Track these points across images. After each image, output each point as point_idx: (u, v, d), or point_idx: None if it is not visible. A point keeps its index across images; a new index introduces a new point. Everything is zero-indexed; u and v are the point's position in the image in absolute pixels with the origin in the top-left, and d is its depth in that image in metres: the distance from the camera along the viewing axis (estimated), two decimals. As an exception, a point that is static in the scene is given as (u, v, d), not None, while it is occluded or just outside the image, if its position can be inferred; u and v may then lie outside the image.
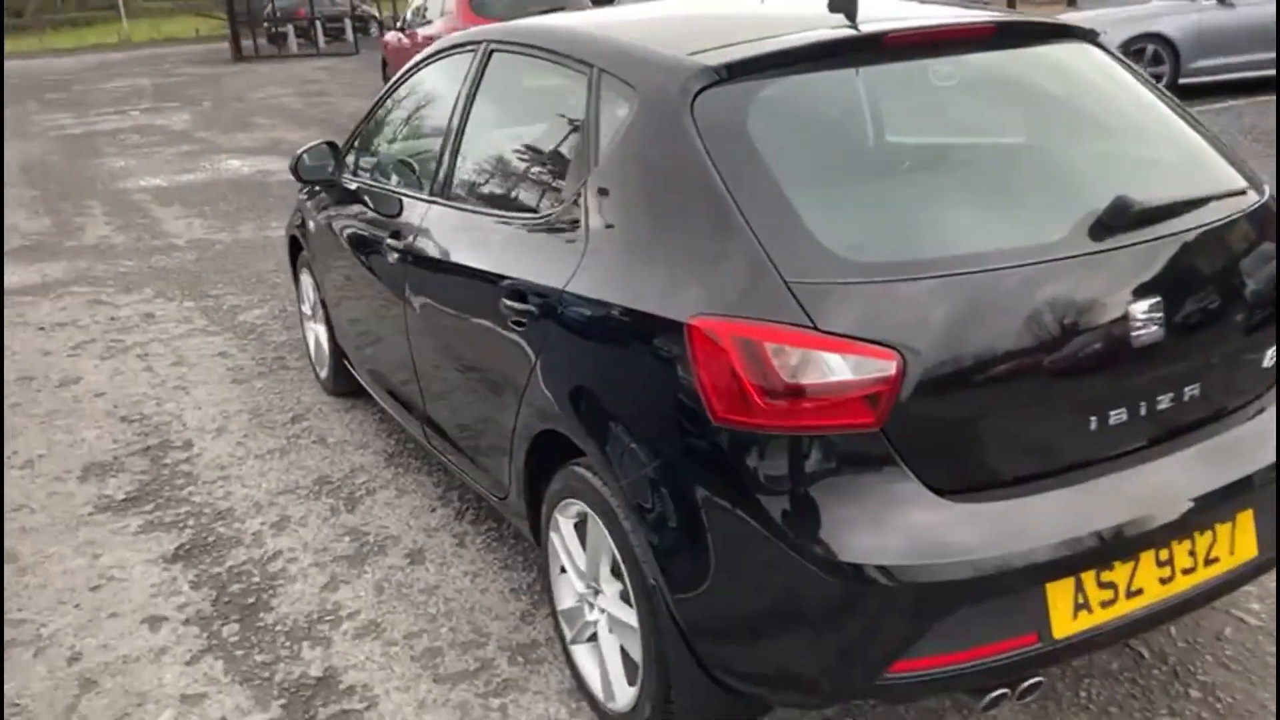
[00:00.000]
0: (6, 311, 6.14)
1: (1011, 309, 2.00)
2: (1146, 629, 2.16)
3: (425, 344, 3.19)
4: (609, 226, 2.31)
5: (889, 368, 1.89)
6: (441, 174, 3.12)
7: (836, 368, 1.89)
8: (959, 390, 1.96)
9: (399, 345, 3.37)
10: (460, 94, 3.12)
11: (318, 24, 26.59)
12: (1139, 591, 2.06)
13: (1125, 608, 2.05)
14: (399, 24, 13.77)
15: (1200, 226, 2.19)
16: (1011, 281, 2.00)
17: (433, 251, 3.06)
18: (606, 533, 2.30)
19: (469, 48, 3.20)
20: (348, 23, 27.42)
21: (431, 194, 3.15)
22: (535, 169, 2.83)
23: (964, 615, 1.94)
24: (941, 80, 2.44)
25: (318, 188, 4.27)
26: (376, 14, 30.35)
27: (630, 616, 2.33)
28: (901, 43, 2.33)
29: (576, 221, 2.39)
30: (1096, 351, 2.03)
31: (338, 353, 4.35)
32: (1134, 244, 2.09)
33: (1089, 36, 2.57)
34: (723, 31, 2.47)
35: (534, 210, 2.65)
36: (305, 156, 3.96)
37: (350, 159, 3.96)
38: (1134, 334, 2.03)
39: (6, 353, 5.46)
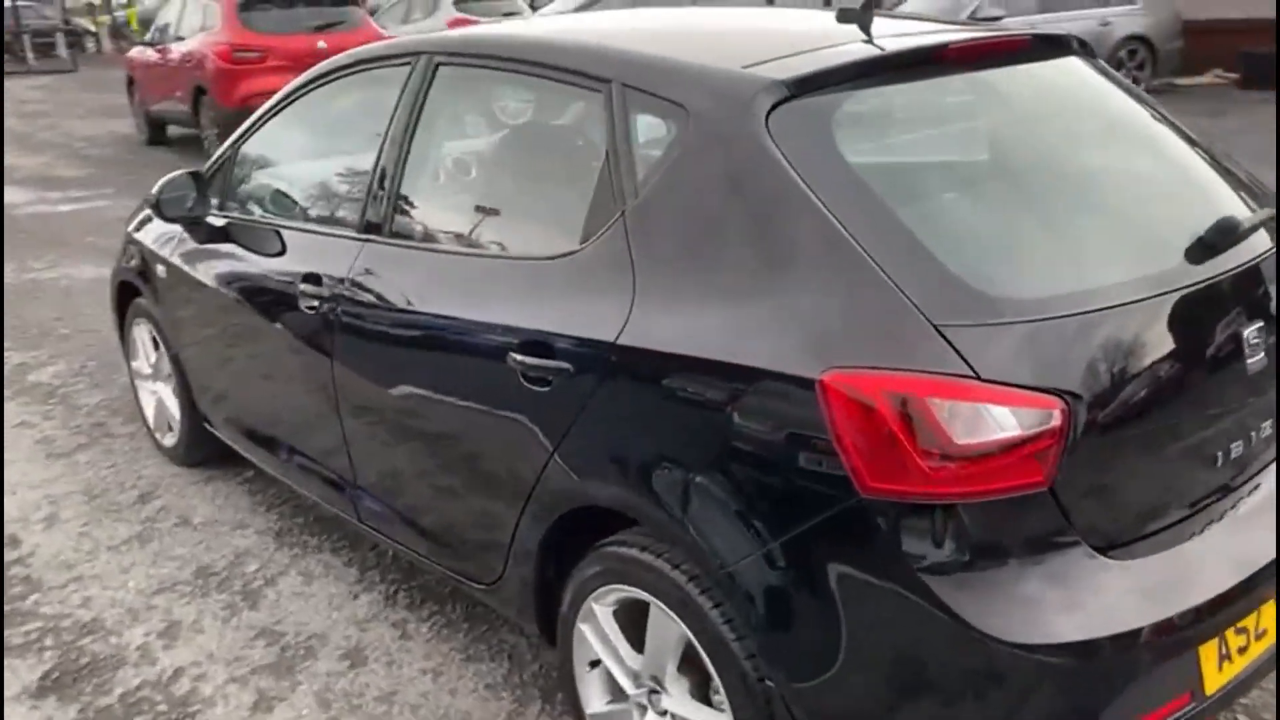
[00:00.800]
0: None
1: (1149, 342, 1.85)
2: (1268, 673, 2.06)
3: (365, 411, 2.71)
4: (668, 267, 1.96)
5: (1055, 418, 1.68)
6: (381, 208, 2.64)
7: (1005, 423, 1.66)
8: (1111, 435, 1.78)
9: (318, 411, 2.85)
10: (396, 115, 2.66)
11: (25, 39, 23.97)
12: (1264, 633, 1.96)
13: (1256, 651, 1.94)
14: (148, 37, 12.50)
15: (1267, 244, 2.13)
16: (1145, 314, 1.85)
17: (378, 300, 2.58)
18: (679, 622, 1.96)
19: (397, 61, 2.74)
20: (60, 37, 24.93)
21: (365, 231, 2.67)
22: (535, 201, 2.46)
23: (1134, 685, 1.76)
24: (987, 97, 2.28)
25: (152, 223, 3.64)
26: (91, 27, 27.80)
27: (706, 716, 2.00)
28: (960, 56, 2.15)
29: (617, 261, 2.02)
30: (1221, 381, 1.93)
31: (194, 417, 3.71)
32: (1236, 267, 1.99)
33: (1083, 48, 2.49)
34: (751, 44, 2.22)
35: (541, 249, 2.24)
36: (165, 190, 3.32)
37: (218, 191, 3.37)
38: (1248, 360, 1.93)
39: None
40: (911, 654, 1.73)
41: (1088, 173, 2.23)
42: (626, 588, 2.07)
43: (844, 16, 2.32)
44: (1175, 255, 1.96)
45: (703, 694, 2.05)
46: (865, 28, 2.24)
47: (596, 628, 2.19)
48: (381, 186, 2.65)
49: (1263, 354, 1.96)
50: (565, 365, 2.06)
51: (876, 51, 2.10)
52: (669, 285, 1.95)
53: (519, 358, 2.14)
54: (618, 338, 1.96)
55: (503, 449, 2.27)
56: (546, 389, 2.10)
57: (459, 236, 2.53)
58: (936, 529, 1.69)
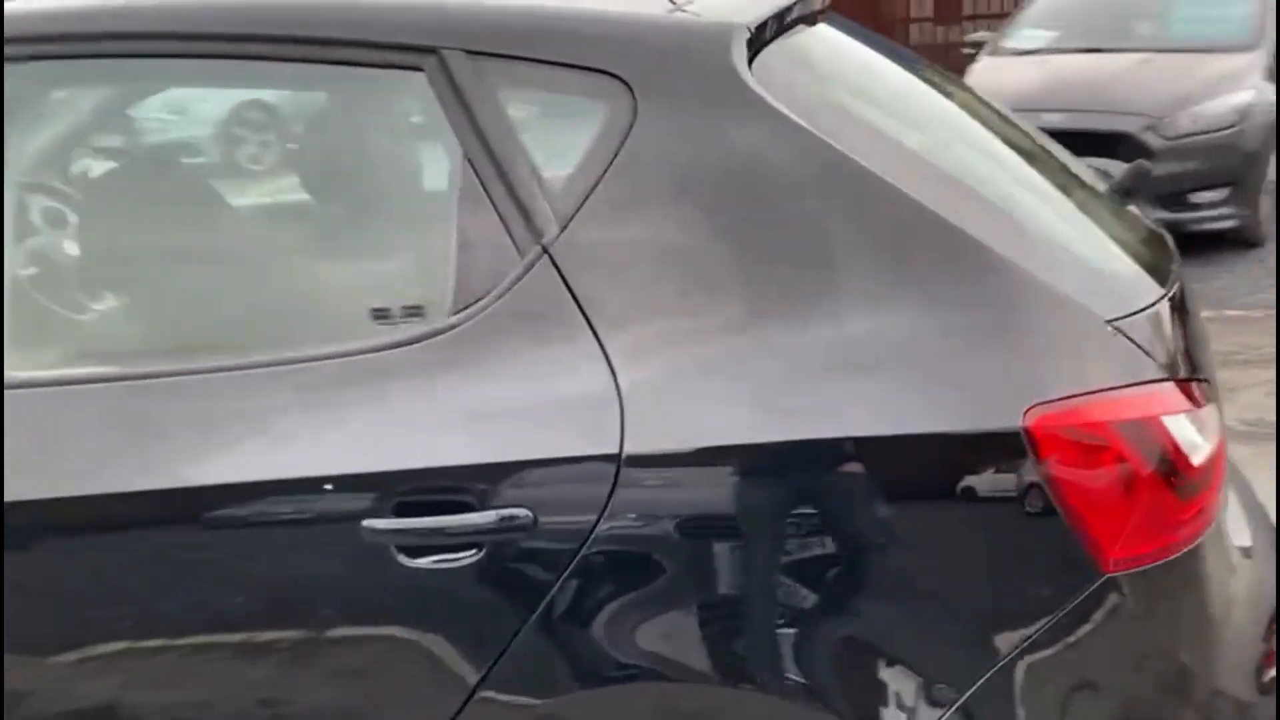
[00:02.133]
0: None
1: None
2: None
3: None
4: (660, 317, 1.25)
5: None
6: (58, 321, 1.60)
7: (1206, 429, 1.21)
8: None
9: None
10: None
11: None
12: None
13: None
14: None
15: None
16: None
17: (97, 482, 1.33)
18: None
19: None
20: None
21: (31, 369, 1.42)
22: (325, 261, 1.63)
23: None
24: None
25: None
26: None
27: None
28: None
29: (551, 325, 1.26)
30: None
31: None
32: None
33: None
34: None
35: (360, 336, 1.33)
36: None
37: None
38: None
39: None
40: None
41: None
42: None
43: None
44: None
45: None
46: None
47: None
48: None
49: None
50: (515, 513, 1.23)
51: None
52: (672, 344, 1.24)
53: (384, 524, 1.26)
54: (623, 444, 1.22)
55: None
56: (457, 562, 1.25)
57: (180, 348, 1.46)
58: (1182, 589, 1.24)
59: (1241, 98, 5.44)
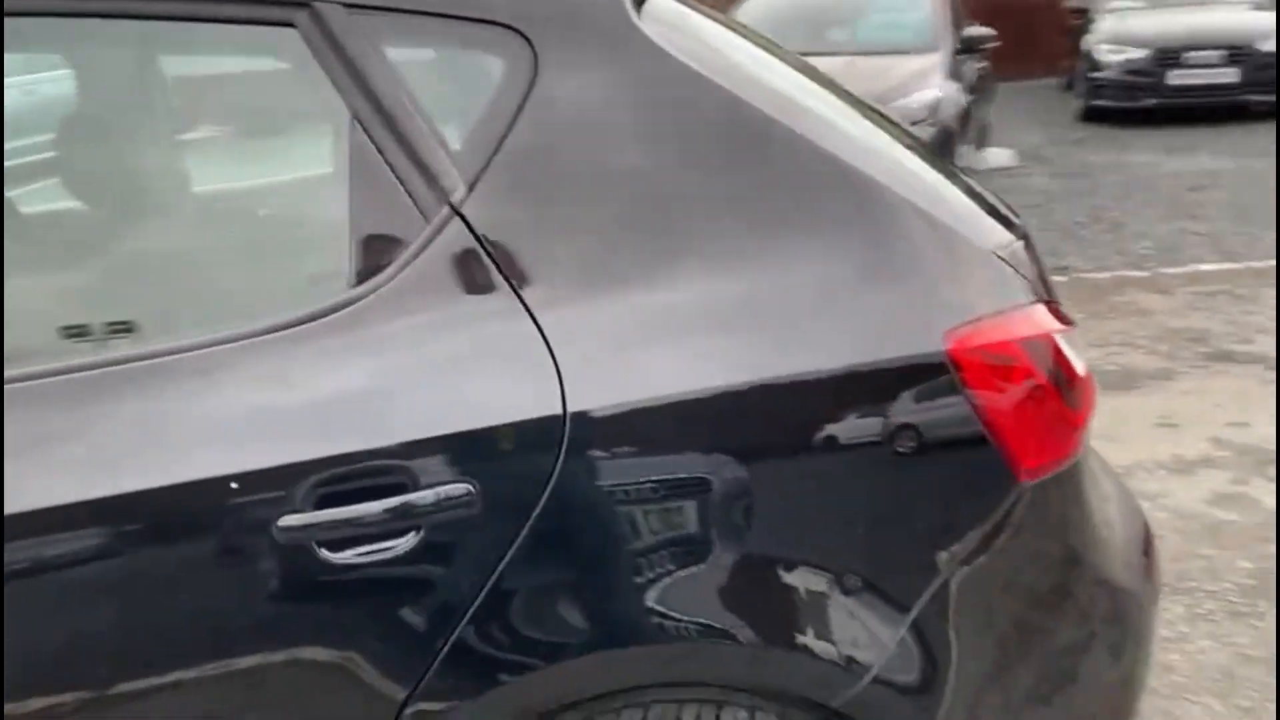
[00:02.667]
0: None
1: None
2: None
3: None
4: (583, 273, 1.22)
5: None
6: None
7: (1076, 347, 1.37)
8: None
9: None
10: None
11: None
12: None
13: None
14: None
15: None
16: None
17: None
18: None
19: None
20: None
21: None
22: (242, 233, 1.47)
23: None
24: None
25: None
26: None
27: None
28: None
29: (470, 288, 1.20)
30: None
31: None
32: None
33: None
34: None
35: (260, 315, 1.20)
36: None
37: None
38: None
39: None
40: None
41: None
42: None
43: None
44: None
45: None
46: None
47: None
48: None
49: None
50: (463, 488, 1.16)
51: None
52: (597, 299, 1.21)
53: (301, 520, 1.15)
54: (566, 406, 1.17)
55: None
56: (390, 550, 1.16)
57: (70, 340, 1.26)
58: (1071, 491, 1.36)
59: (930, 94, 6.04)
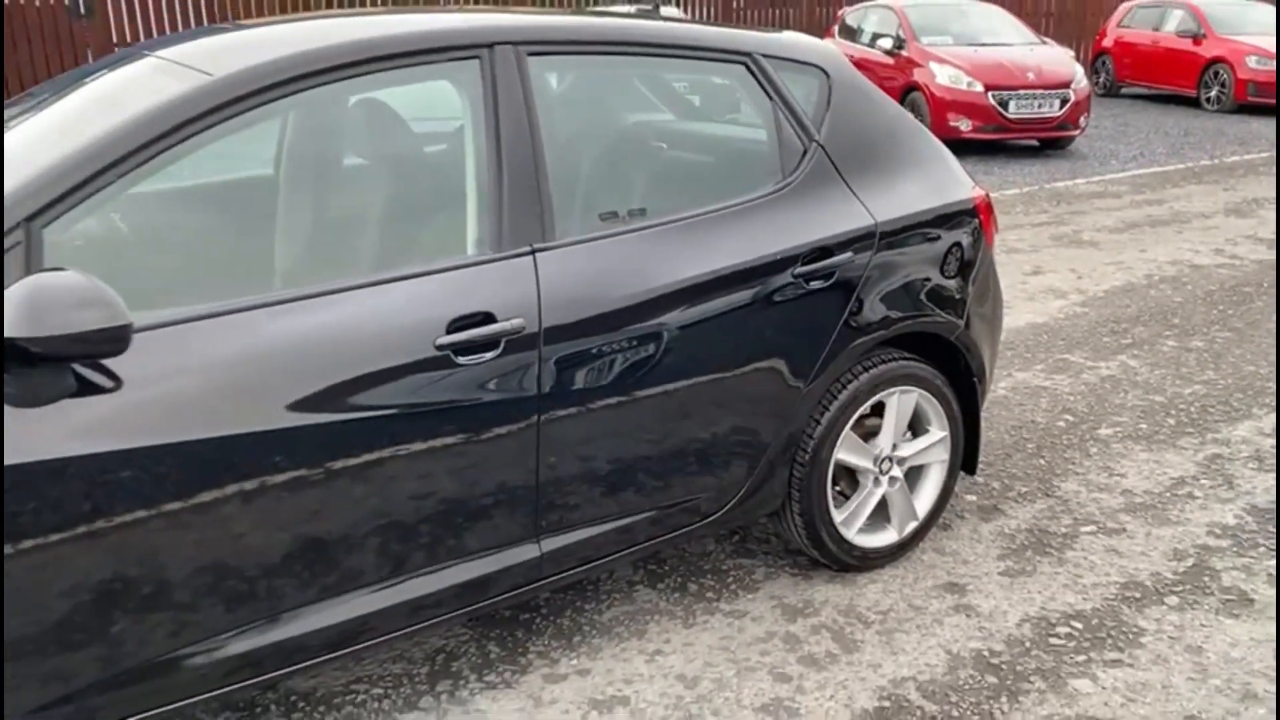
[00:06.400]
0: None
1: None
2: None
3: (584, 420, 2.34)
4: (862, 173, 2.80)
5: None
6: (525, 214, 2.28)
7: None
8: None
9: (508, 459, 2.29)
10: (485, 116, 2.29)
11: None
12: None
13: None
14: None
15: None
16: None
17: (616, 298, 2.33)
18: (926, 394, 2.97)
19: (448, 56, 2.30)
20: None
21: (528, 243, 2.27)
22: (720, 160, 2.91)
23: None
24: None
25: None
26: None
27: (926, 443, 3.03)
28: None
29: (827, 179, 2.73)
30: None
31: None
32: None
33: None
34: None
35: (750, 193, 2.64)
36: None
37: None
38: None
39: None
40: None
41: None
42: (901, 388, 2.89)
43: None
44: None
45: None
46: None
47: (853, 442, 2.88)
48: (509, 197, 2.28)
49: None
50: (847, 256, 2.70)
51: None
52: (870, 183, 2.81)
53: (802, 269, 2.62)
54: (876, 222, 2.76)
55: (779, 351, 2.62)
56: (826, 282, 2.66)
57: (663, 211, 2.49)
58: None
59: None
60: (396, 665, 2.62)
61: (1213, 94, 13.90)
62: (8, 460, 1.75)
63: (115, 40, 13.39)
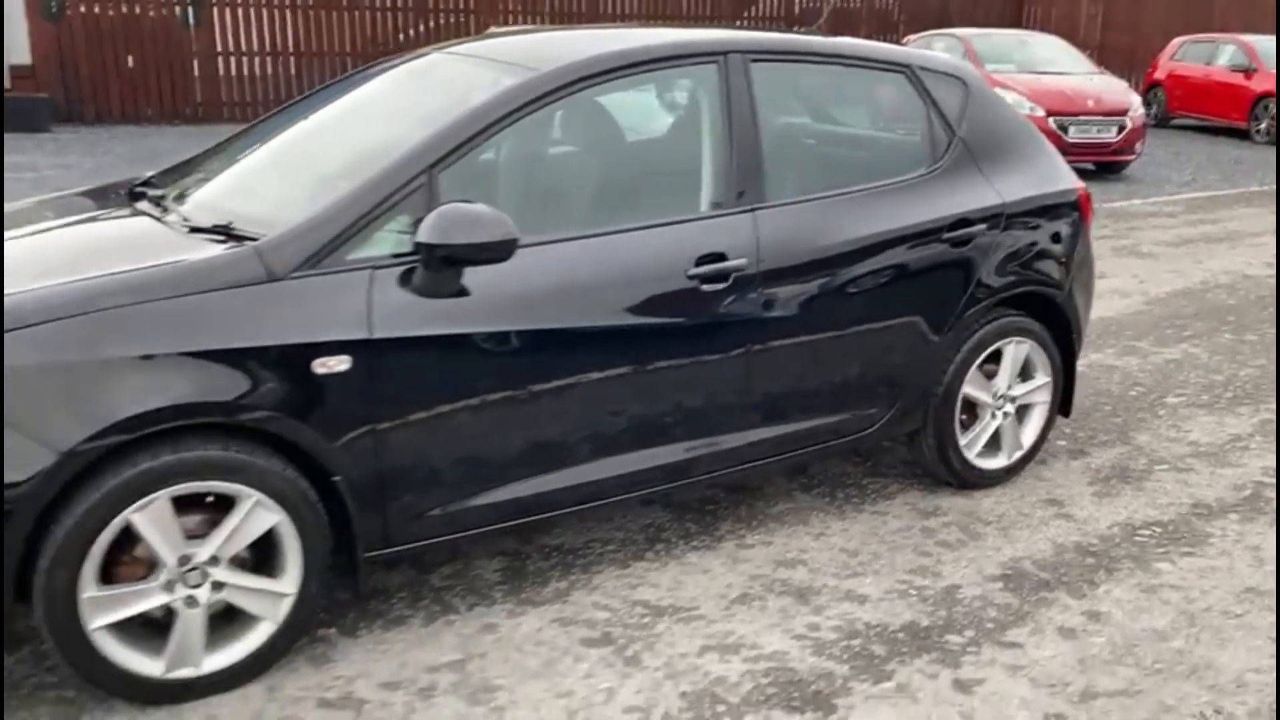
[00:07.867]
0: None
1: None
2: None
3: (777, 356, 3.10)
4: (991, 163, 3.50)
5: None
6: (749, 181, 3.03)
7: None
8: None
9: (718, 376, 3.03)
10: (720, 105, 3.04)
11: None
12: None
13: None
14: None
15: None
16: None
17: (810, 249, 3.09)
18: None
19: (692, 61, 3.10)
20: None
21: (750, 203, 3.01)
22: (881, 146, 3.76)
23: None
24: None
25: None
26: None
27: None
28: None
29: (965, 166, 3.46)
30: None
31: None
32: None
33: None
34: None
35: (910, 173, 3.40)
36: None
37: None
38: None
39: None
40: None
41: None
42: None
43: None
44: None
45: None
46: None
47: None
48: (736, 166, 3.01)
49: None
50: (986, 222, 3.45)
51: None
52: (998, 171, 3.52)
53: (952, 233, 3.37)
54: (1005, 203, 3.48)
55: (927, 299, 3.36)
56: (965, 248, 3.40)
57: (844, 184, 3.28)
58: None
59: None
60: (619, 533, 3.34)
61: (1262, 126, 14.53)
62: (430, 332, 2.54)
63: (219, 49, 14.44)
